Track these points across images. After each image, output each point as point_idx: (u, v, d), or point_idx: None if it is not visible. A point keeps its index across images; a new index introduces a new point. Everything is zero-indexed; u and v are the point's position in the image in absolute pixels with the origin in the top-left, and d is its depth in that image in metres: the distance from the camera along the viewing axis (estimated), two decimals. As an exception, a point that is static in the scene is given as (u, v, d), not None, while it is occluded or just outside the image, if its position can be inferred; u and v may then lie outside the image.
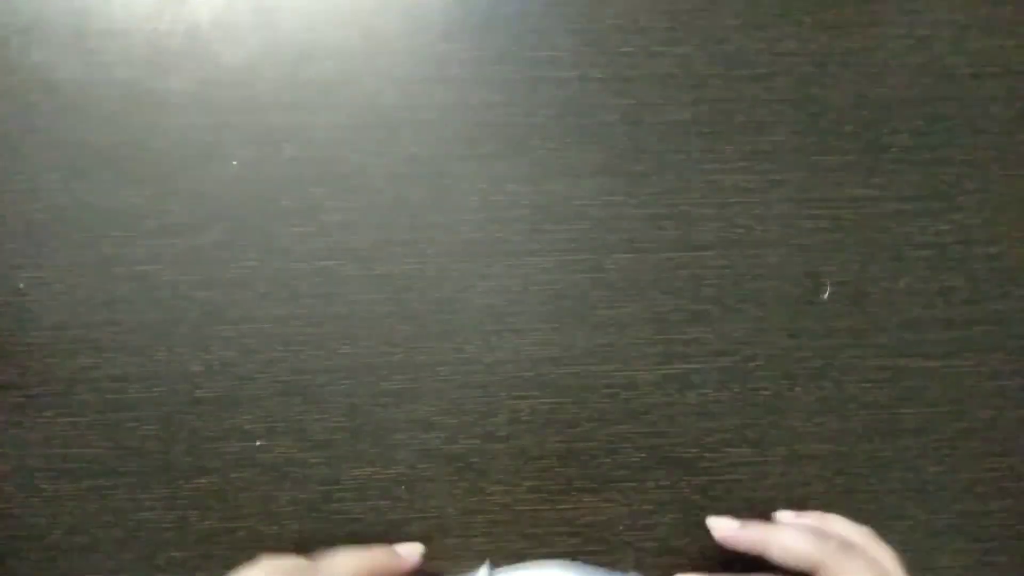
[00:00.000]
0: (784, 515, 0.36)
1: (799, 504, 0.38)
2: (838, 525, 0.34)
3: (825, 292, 0.39)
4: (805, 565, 0.31)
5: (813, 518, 0.35)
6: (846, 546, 0.31)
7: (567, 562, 0.35)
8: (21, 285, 0.38)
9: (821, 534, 0.32)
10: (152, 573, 0.36)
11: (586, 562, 0.35)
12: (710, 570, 0.37)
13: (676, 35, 0.41)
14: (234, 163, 0.39)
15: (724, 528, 0.35)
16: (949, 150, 0.40)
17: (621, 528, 0.37)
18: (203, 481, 0.37)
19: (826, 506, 0.32)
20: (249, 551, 0.36)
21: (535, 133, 0.39)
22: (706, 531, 0.37)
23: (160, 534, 0.36)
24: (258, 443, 0.37)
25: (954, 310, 0.39)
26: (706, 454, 0.38)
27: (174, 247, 0.38)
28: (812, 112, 0.40)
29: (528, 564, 0.35)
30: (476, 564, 0.35)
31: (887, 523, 0.38)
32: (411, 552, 0.36)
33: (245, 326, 0.38)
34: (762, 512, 0.38)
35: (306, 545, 0.37)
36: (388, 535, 0.37)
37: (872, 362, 0.39)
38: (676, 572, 0.37)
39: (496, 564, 0.35)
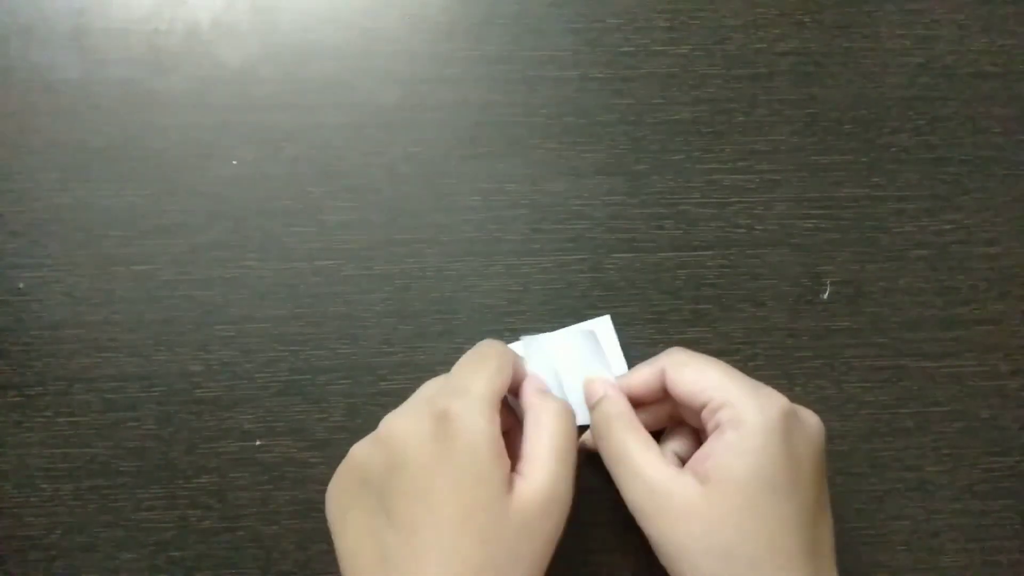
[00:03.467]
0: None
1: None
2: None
3: (825, 292, 0.39)
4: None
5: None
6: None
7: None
8: (21, 285, 0.38)
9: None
10: (152, 573, 0.36)
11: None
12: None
13: (676, 35, 0.41)
14: (234, 163, 0.39)
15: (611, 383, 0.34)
16: (949, 150, 0.40)
17: (621, 528, 0.37)
18: (203, 481, 0.37)
19: (826, 506, 0.32)
20: (249, 551, 0.36)
21: (535, 133, 0.39)
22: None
23: (160, 534, 0.36)
24: (258, 443, 0.37)
25: (954, 310, 0.39)
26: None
27: (174, 247, 0.38)
28: (812, 112, 0.40)
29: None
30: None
31: (887, 523, 0.38)
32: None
33: (245, 326, 0.38)
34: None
35: (306, 545, 0.37)
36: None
37: (872, 362, 0.39)
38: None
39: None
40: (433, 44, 0.40)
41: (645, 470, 0.30)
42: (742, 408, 0.29)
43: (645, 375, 0.33)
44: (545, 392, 0.32)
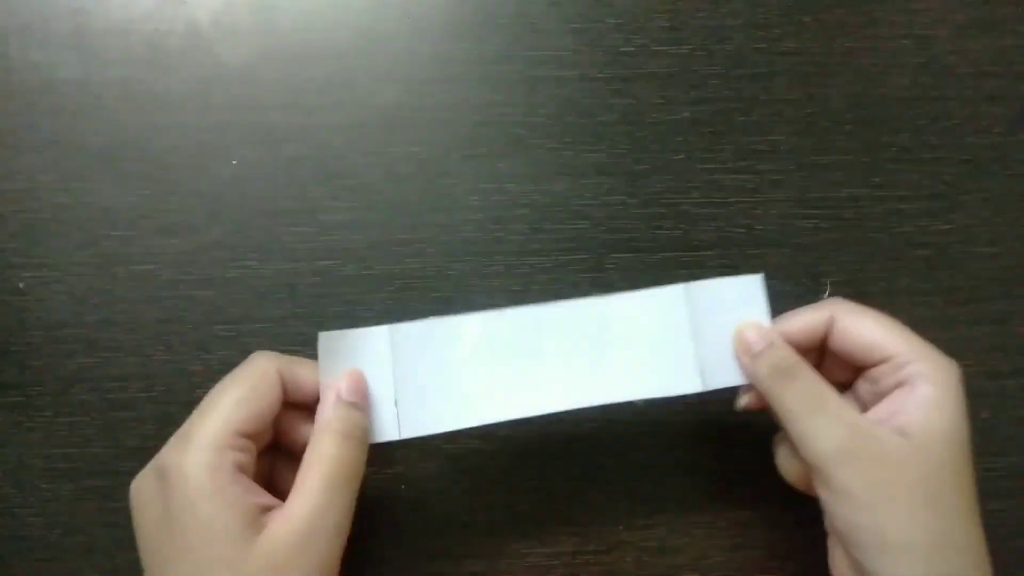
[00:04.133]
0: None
1: (799, 504, 0.38)
2: None
3: (825, 292, 0.39)
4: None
5: None
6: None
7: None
8: (21, 285, 0.38)
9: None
10: (152, 573, 0.36)
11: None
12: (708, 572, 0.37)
13: (676, 35, 0.41)
14: (234, 163, 0.39)
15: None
16: (949, 150, 0.40)
17: (621, 528, 0.37)
18: (203, 481, 0.37)
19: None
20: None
21: (535, 133, 0.39)
22: (707, 532, 0.37)
23: (160, 534, 0.36)
24: (258, 443, 0.37)
25: (954, 310, 0.39)
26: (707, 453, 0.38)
27: (174, 247, 0.38)
28: (812, 112, 0.40)
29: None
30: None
31: (887, 523, 0.38)
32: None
33: (245, 326, 0.38)
34: (765, 511, 0.38)
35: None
36: (388, 533, 0.37)
37: (872, 362, 0.38)
38: (676, 570, 0.37)
39: None
40: (433, 44, 0.40)
41: (848, 413, 0.29)
42: (933, 365, 0.29)
43: (807, 321, 0.31)
44: (350, 406, 0.30)
